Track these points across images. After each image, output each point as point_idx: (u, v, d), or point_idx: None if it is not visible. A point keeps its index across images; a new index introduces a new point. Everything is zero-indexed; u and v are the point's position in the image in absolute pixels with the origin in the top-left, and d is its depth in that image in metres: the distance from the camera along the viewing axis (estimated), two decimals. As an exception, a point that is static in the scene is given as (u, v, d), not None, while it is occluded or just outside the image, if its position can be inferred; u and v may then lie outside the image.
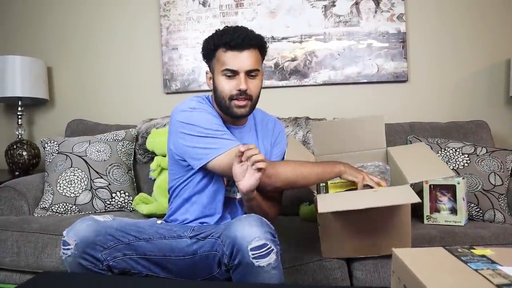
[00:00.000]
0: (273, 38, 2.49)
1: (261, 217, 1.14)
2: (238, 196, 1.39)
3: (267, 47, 1.37)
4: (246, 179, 1.15)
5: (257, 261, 1.06)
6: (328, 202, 1.24)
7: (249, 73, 1.29)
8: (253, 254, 1.05)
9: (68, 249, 1.12)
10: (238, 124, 1.40)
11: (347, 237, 1.36)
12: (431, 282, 0.66)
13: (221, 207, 1.37)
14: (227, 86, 1.28)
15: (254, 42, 1.29)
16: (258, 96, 1.35)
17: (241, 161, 1.13)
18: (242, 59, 1.27)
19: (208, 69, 1.39)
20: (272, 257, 1.07)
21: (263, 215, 1.19)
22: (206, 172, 1.32)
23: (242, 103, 1.28)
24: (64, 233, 1.15)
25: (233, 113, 1.31)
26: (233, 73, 1.27)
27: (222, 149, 1.23)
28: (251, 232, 1.06)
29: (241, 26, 1.32)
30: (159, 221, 1.34)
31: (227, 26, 1.34)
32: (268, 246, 1.07)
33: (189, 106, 1.31)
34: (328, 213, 1.28)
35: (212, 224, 1.36)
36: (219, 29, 1.33)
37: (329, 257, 1.42)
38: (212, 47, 1.31)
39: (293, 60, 2.49)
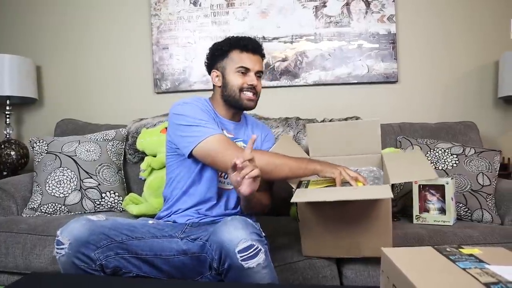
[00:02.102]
0: (264, 38, 2.50)
1: (246, 219, 1.17)
2: (231, 186, 1.48)
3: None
4: (246, 186, 1.22)
5: (246, 263, 1.07)
6: (302, 195, 1.27)
7: (257, 74, 1.50)
8: (241, 257, 1.07)
9: (62, 248, 1.13)
10: (234, 120, 1.56)
11: (327, 236, 1.37)
12: (420, 281, 0.66)
13: (215, 195, 1.47)
14: (240, 80, 1.47)
15: (261, 50, 1.54)
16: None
17: (235, 170, 1.19)
18: (255, 61, 1.49)
19: (214, 68, 1.54)
20: (261, 257, 1.09)
21: (262, 207, 1.49)
22: (199, 160, 1.43)
23: (252, 97, 1.48)
24: (58, 232, 1.15)
25: (242, 104, 1.48)
26: (246, 70, 1.47)
27: (203, 136, 1.35)
28: (236, 235, 1.09)
29: (250, 37, 1.54)
30: (150, 221, 1.37)
31: (233, 36, 1.55)
32: (255, 247, 1.09)
33: (183, 101, 1.47)
34: (307, 210, 1.33)
35: (203, 222, 1.41)
36: (229, 36, 1.54)
37: (310, 256, 1.42)
38: (227, 48, 1.50)
39: (284, 60, 2.49)
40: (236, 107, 1.51)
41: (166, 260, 1.24)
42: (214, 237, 1.13)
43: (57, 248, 1.14)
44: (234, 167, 1.18)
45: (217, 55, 1.52)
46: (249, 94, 1.47)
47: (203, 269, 1.22)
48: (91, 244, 1.14)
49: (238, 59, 1.48)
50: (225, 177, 1.48)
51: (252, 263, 1.08)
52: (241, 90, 1.47)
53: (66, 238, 1.13)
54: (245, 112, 1.62)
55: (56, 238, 1.15)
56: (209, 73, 1.56)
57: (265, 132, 1.67)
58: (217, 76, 1.52)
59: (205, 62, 1.59)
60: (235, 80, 1.47)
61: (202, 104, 1.49)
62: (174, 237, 1.28)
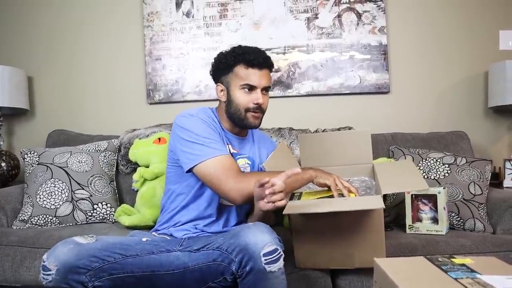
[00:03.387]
0: (256, 49, 2.51)
1: (267, 225, 1.18)
2: (232, 204, 1.45)
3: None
4: (268, 204, 1.20)
5: (269, 266, 1.08)
6: (294, 206, 1.27)
7: (263, 89, 1.43)
8: (265, 260, 1.08)
9: (49, 274, 1.07)
10: (240, 136, 1.53)
11: (320, 247, 1.37)
12: (412, 291, 0.66)
13: (215, 211, 1.45)
14: (245, 99, 1.41)
15: (270, 63, 1.46)
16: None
17: (261, 186, 1.20)
18: (261, 77, 1.41)
19: (219, 81, 1.49)
20: (281, 262, 1.11)
21: (272, 222, 1.47)
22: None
23: (258, 115, 1.43)
24: (44, 257, 1.09)
25: (247, 124, 1.44)
26: (252, 88, 1.41)
27: (205, 157, 1.32)
28: (263, 238, 1.10)
29: (257, 47, 1.46)
30: (144, 238, 1.31)
31: (241, 45, 1.47)
32: (279, 251, 1.10)
33: (189, 113, 1.42)
34: (299, 221, 1.33)
35: (200, 236, 1.39)
36: (235, 47, 1.46)
37: (303, 267, 1.42)
38: (231, 63, 1.42)
39: (277, 71, 2.51)
40: (240, 126, 1.47)
41: (164, 276, 1.20)
42: (236, 240, 1.12)
43: (44, 274, 1.08)
44: (262, 184, 1.19)
45: (221, 68, 1.46)
46: (255, 114, 1.43)
47: (207, 279, 1.19)
48: (81, 268, 1.09)
49: (243, 75, 1.41)
50: None
51: (274, 267, 1.09)
52: (247, 110, 1.42)
53: (53, 264, 1.07)
54: None
55: (42, 264, 1.09)
56: (215, 82, 1.51)
57: (272, 148, 1.65)
58: (221, 90, 1.47)
59: (210, 71, 1.53)
60: (241, 98, 1.42)
61: (209, 117, 1.45)
62: (172, 250, 1.23)
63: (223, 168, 1.31)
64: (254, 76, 1.40)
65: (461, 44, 2.47)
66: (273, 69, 1.52)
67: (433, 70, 2.48)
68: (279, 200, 1.17)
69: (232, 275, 1.14)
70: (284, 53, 2.51)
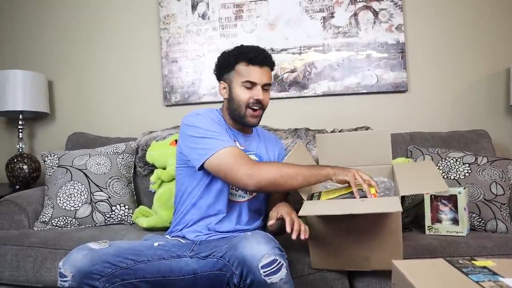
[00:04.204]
0: (272, 49, 2.51)
1: (266, 233, 1.16)
2: (242, 199, 1.49)
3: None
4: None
5: (269, 278, 1.06)
6: (310, 208, 1.26)
7: (264, 86, 1.46)
8: (264, 272, 1.06)
9: (66, 281, 1.11)
10: (245, 133, 1.56)
11: (336, 249, 1.35)
12: (431, 295, 0.65)
13: (225, 207, 1.45)
14: (246, 95, 1.44)
15: (270, 61, 1.49)
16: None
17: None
18: (262, 74, 1.44)
19: (221, 80, 1.53)
20: (283, 272, 1.08)
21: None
22: (209, 172, 1.41)
23: (256, 113, 1.46)
24: (60, 264, 1.13)
25: (246, 121, 1.47)
26: (252, 85, 1.44)
27: (215, 149, 1.33)
28: (259, 250, 1.07)
29: (258, 46, 1.50)
30: (156, 243, 1.31)
31: (242, 45, 1.52)
32: (278, 261, 1.07)
33: (195, 112, 1.46)
34: (315, 222, 1.31)
35: (211, 239, 1.38)
36: (237, 46, 1.51)
37: (319, 268, 1.41)
38: (233, 61, 1.46)
39: (293, 71, 2.50)
40: (240, 123, 1.50)
41: (175, 281, 1.21)
42: (235, 252, 1.11)
43: (61, 280, 1.12)
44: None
45: (224, 66, 1.50)
46: (254, 110, 1.45)
47: (218, 285, 1.19)
48: (95, 274, 1.12)
49: (244, 72, 1.44)
50: (236, 189, 1.47)
51: (275, 278, 1.06)
52: (247, 106, 1.45)
53: (68, 271, 1.11)
54: None
55: (59, 270, 1.13)
56: (218, 81, 1.55)
57: (279, 145, 1.70)
58: (224, 88, 1.51)
59: (213, 70, 1.57)
60: (241, 95, 1.44)
61: (215, 115, 1.48)
62: (183, 256, 1.24)
63: (234, 156, 1.32)
64: (255, 73, 1.43)
65: (481, 41, 2.41)
66: (274, 68, 1.54)
67: (452, 67, 2.44)
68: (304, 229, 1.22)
69: (235, 286, 1.14)
70: (300, 53, 2.50)
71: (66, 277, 1.11)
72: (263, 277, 1.05)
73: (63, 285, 1.11)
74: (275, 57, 2.44)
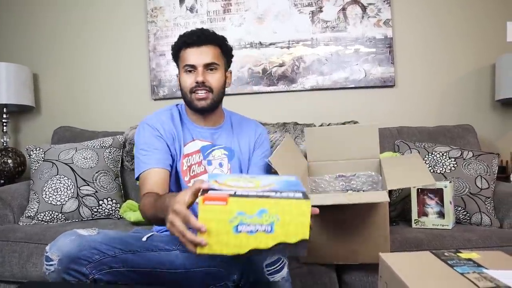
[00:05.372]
0: (260, 43, 2.50)
1: None
2: None
3: (228, 45, 1.43)
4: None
5: (272, 277, 1.06)
6: None
7: (208, 67, 1.35)
8: (268, 271, 1.06)
9: (51, 264, 1.08)
10: (213, 125, 1.44)
11: (324, 242, 1.36)
12: (417, 287, 0.65)
13: None
14: (188, 80, 1.35)
15: (210, 38, 1.36)
16: (220, 91, 1.39)
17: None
18: (200, 54, 1.34)
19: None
20: (285, 270, 1.08)
21: None
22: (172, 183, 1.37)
23: (202, 95, 1.34)
24: (47, 248, 1.10)
25: (194, 106, 1.36)
26: (192, 68, 1.34)
27: (137, 173, 1.33)
28: None
29: (201, 28, 1.40)
30: (144, 238, 1.27)
31: (187, 31, 1.42)
32: (282, 260, 1.08)
33: (143, 120, 1.41)
34: None
35: None
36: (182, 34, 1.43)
37: (307, 262, 1.41)
38: (176, 49, 1.39)
39: (281, 65, 2.49)
40: (194, 110, 1.40)
41: (166, 274, 1.19)
42: None
43: (46, 264, 1.09)
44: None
45: (174, 58, 1.44)
46: (198, 94, 1.34)
47: (212, 281, 1.18)
48: (82, 260, 1.09)
49: (184, 57, 1.36)
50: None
51: (277, 277, 1.07)
52: (191, 91, 1.35)
53: (55, 255, 1.07)
54: (229, 111, 1.52)
55: (45, 254, 1.09)
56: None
57: (257, 132, 1.50)
58: (178, 79, 1.44)
59: None
60: (184, 81, 1.36)
61: (164, 118, 1.39)
62: (171, 250, 1.22)
63: (142, 185, 1.30)
64: (192, 55, 1.34)
65: (467, 36, 2.44)
66: (226, 44, 1.41)
67: (439, 63, 2.46)
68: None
69: (234, 283, 1.13)
70: (288, 48, 2.49)
71: (52, 260, 1.07)
72: (266, 275, 1.06)
73: (49, 269, 1.08)
74: (263, 51, 2.49)
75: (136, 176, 1.33)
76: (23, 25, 2.71)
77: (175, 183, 1.39)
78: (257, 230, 0.77)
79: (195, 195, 0.88)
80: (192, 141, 1.40)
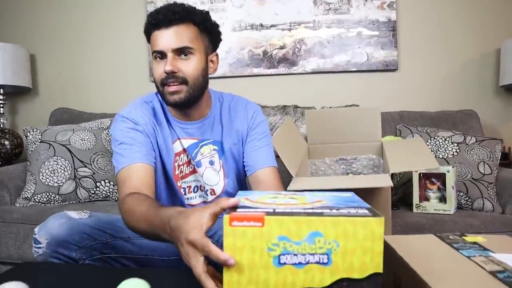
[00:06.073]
0: (261, 25, 2.45)
1: None
2: (199, 201, 1.25)
3: (209, 22, 1.15)
4: None
5: None
6: (299, 183, 1.21)
7: (180, 52, 1.09)
8: None
9: (40, 247, 1.04)
10: (194, 119, 1.21)
11: None
12: (422, 269, 0.63)
13: None
14: (158, 70, 1.11)
15: (181, 16, 1.08)
16: (199, 80, 1.13)
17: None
18: (167, 37, 1.08)
19: None
20: None
21: None
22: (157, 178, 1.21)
23: (173, 88, 1.09)
24: (36, 230, 1.06)
25: (166, 101, 1.13)
26: (162, 55, 1.10)
27: (117, 168, 1.13)
28: None
29: (171, 3, 1.12)
30: None
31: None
32: None
33: (120, 113, 1.21)
34: None
35: None
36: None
37: None
38: (147, 32, 1.14)
39: (282, 48, 2.45)
40: (167, 105, 1.18)
41: (158, 262, 1.14)
42: None
43: (35, 247, 1.05)
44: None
45: (148, 41, 1.17)
46: (171, 86, 1.09)
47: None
48: (71, 244, 1.04)
49: (152, 41, 1.12)
50: (184, 192, 1.24)
51: None
52: (162, 83, 1.10)
53: (43, 237, 1.03)
54: (219, 94, 1.28)
55: (33, 236, 1.05)
56: None
57: (248, 113, 1.26)
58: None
59: None
60: (154, 71, 1.12)
61: (147, 113, 1.19)
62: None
63: (121, 182, 1.10)
64: (160, 38, 1.08)
65: (472, 20, 2.39)
66: (205, 20, 1.14)
67: (443, 47, 2.41)
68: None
69: None
70: (289, 30, 2.45)
71: (40, 243, 1.03)
72: None
73: (37, 251, 1.04)
74: (264, 33, 2.44)
75: (116, 171, 1.12)
76: (20, 5, 2.65)
77: (167, 189, 1.23)
78: (308, 262, 0.56)
79: (216, 216, 0.69)
80: (176, 140, 1.20)
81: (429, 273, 0.62)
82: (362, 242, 0.57)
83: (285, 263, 0.56)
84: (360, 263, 0.57)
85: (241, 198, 0.67)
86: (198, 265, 0.66)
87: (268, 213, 0.57)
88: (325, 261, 0.56)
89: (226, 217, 0.58)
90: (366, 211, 0.60)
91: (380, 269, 0.57)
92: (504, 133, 2.33)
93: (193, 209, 0.74)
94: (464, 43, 2.40)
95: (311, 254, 0.56)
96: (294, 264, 0.56)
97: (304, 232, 0.56)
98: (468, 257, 0.70)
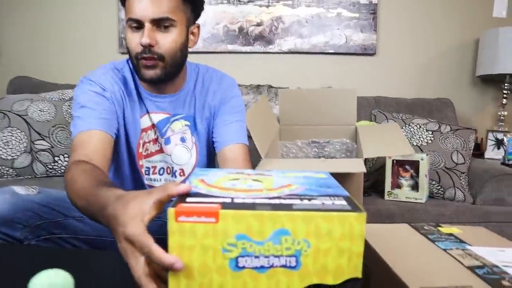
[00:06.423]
0: (238, 0, 2.34)
1: None
2: (159, 183, 1.16)
3: None
4: None
5: None
6: (269, 165, 1.14)
7: (158, 23, 0.98)
8: None
9: None
10: (167, 92, 1.11)
11: None
12: (396, 264, 0.57)
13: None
14: (133, 41, 1.00)
15: None
16: (177, 55, 1.03)
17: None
18: (145, 4, 0.96)
19: None
20: None
21: None
22: (116, 151, 1.11)
23: (149, 62, 0.99)
24: None
25: (141, 76, 1.03)
26: (138, 24, 0.98)
27: (74, 133, 1.01)
28: None
29: None
30: None
31: None
32: None
33: (86, 76, 1.08)
34: None
35: None
36: None
37: None
38: None
39: (259, 25, 2.35)
40: (141, 80, 1.07)
41: (114, 243, 1.06)
42: None
43: None
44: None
45: (123, 5, 1.04)
46: (145, 60, 0.99)
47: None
48: (15, 223, 0.93)
49: (128, 7, 0.99)
50: (146, 172, 1.15)
51: None
52: (137, 56, 1.00)
53: None
54: (195, 66, 1.18)
55: None
56: None
57: (222, 86, 1.16)
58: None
59: None
60: (129, 42, 1.01)
61: (117, 79, 1.08)
62: None
63: (75, 150, 0.97)
64: (138, 4, 0.96)
65: (453, 9, 2.36)
66: None
67: (423, 34, 2.38)
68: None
69: None
70: (267, 6, 2.35)
71: None
72: None
73: None
74: (241, 8, 2.34)
75: (72, 137, 1.01)
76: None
77: (129, 165, 1.14)
78: (272, 265, 0.47)
79: (162, 205, 0.57)
80: (145, 114, 1.11)
81: (404, 268, 0.56)
82: (338, 242, 0.47)
83: (244, 267, 0.47)
84: (335, 267, 0.48)
85: (196, 180, 0.57)
86: (138, 267, 0.54)
87: (224, 206, 0.47)
88: (293, 264, 0.47)
89: (171, 210, 0.47)
90: (344, 203, 0.50)
91: (359, 274, 0.48)
92: (477, 123, 2.33)
93: (134, 195, 0.60)
94: (443, 31, 2.37)
95: (276, 256, 0.47)
96: (255, 268, 0.47)
97: (268, 230, 0.46)
98: (445, 250, 0.65)
